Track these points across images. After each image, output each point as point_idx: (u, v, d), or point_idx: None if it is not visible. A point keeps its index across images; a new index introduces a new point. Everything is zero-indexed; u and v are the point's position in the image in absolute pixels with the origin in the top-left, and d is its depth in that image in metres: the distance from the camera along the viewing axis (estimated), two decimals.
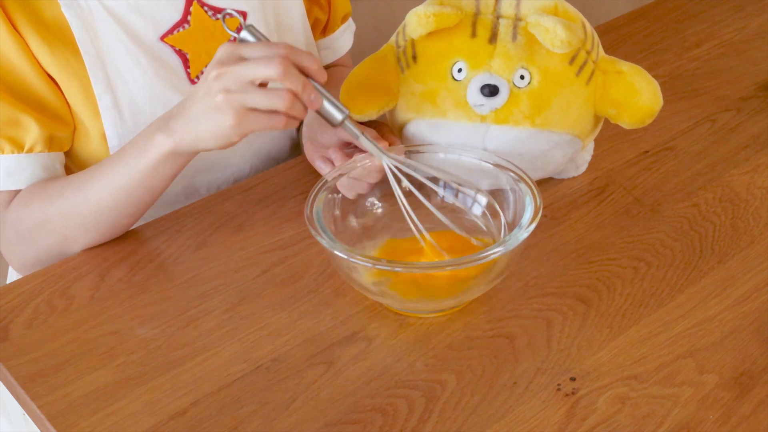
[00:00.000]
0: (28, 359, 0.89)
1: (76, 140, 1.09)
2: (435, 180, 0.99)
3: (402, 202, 0.95)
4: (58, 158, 1.07)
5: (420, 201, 0.95)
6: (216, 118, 0.90)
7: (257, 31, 0.93)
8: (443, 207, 0.98)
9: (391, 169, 0.95)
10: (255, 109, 0.89)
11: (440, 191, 1.00)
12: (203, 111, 0.91)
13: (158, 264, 1.01)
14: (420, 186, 0.96)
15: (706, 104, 1.27)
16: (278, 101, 0.89)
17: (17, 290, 0.98)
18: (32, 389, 0.86)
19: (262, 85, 0.90)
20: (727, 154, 1.16)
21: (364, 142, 0.95)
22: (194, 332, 0.92)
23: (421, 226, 0.95)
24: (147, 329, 0.93)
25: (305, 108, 0.91)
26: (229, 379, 0.87)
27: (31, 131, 1.03)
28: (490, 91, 0.98)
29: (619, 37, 1.44)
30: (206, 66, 1.02)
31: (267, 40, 0.93)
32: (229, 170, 1.19)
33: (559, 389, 0.85)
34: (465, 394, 0.85)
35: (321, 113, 0.93)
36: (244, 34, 0.93)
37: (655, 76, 1.05)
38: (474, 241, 0.96)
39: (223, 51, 0.91)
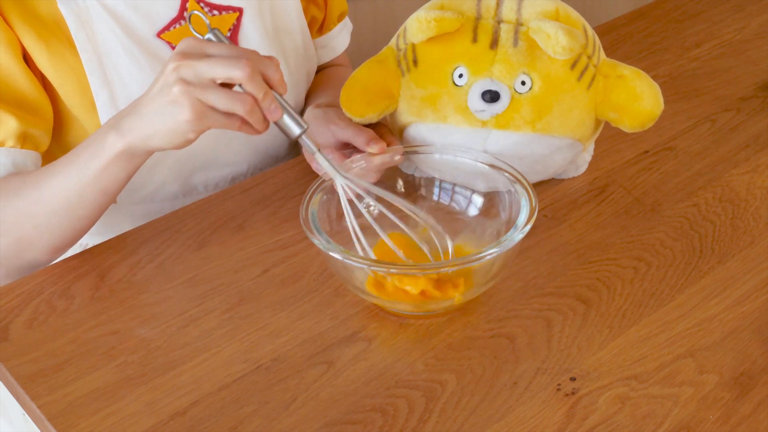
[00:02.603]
0: (28, 359, 0.89)
1: (72, 136, 1.08)
2: (389, 204, 0.96)
3: (352, 225, 0.92)
4: (31, 158, 1.04)
5: (390, 215, 0.94)
6: (172, 112, 0.87)
7: (222, 36, 0.91)
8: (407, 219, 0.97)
9: (344, 188, 0.93)
10: (212, 108, 0.87)
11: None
12: (159, 105, 0.88)
13: (158, 264, 1.01)
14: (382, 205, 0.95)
15: (706, 104, 1.27)
16: (239, 105, 0.86)
17: (17, 290, 0.98)
18: (32, 389, 0.86)
19: (224, 85, 0.88)
20: (727, 154, 1.16)
21: (319, 159, 0.93)
22: (194, 332, 0.92)
23: (369, 250, 0.92)
24: (147, 329, 0.93)
25: (264, 119, 0.89)
26: (229, 379, 0.87)
27: (6, 125, 1.01)
28: (491, 97, 0.98)
29: (619, 37, 1.44)
30: None
31: (230, 44, 0.90)
32: (227, 168, 1.19)
33: (559, 389, 0.85)
34: (465, 394, 0.85)
35: (279, 125, 0.91)
36: (208, 36, 0.90)
37: (655, 76, 1.05)
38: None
39: (185, 44, 0.88)
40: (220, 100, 0.87)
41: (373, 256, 0.92)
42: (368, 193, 0.95)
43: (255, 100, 0.87)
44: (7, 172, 1.03)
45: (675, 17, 1.50)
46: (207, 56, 0.87)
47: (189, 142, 0.90)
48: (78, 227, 1.01)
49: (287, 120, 0.91)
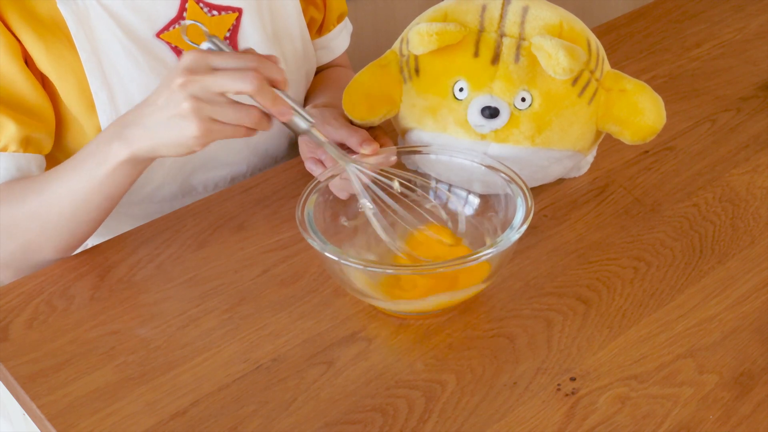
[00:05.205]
0: (28, 359, 0.89)
1: (71, 137, 1.08)
2: (405, 186, 0.97)
3: (367, 210, 0.94)
4: (34, 161, 1.05)
5: (396, 205, 0.95)
6: (180, 127, 0.88)
7: (221, 42, 0.91)
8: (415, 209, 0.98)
9: (356, 176, 0.94)
10: (220, 122, 0.88)
11: (428, 195, 0.99)
12: (165, 119, 0.89)
13: (158, 264, 1.01)
14: (390, 192, 0.96)
15: (706, 104, 1.27)
16: (247, 118, 0.88)
17: (17, 290, 0.98)
18: (32, 389, 0.86)
19: None
20: (727, 154, 1.16)
21: (329, 149, 0.94)
22: (194, 332, 0.92)
23: (389, 237, 0.93)
24: (147, 329, 0.93)
25: (269, 119, 0.90)
26: (229, 379, 0.87)
27: (7, 130, 1.01)
28: (491, 113, 0.98)
29: (619, 37, 1.44)
30: None
31: (231, 50, 0.91)
32: (227, 168, 1.19)
33: (559, 389, 0.85)
34: (465, 394, 0.85)
35: (287, 123, 0.92)
36: (206, 45, 0.91)
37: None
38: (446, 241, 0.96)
39: (190, 58, 0.88)
40: (229, 115, 0.88)
41: (389, 239, 0.93)
42: (379, 177, 0.96)
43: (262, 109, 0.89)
44: (11, 176, 1.04)
45: (675, 17, 1.50)
46: (213, 70, 0.87)
47: (193, 152, 0.91)
48: (84, 230, 1.02)
49: (295, 118, 0.92)
